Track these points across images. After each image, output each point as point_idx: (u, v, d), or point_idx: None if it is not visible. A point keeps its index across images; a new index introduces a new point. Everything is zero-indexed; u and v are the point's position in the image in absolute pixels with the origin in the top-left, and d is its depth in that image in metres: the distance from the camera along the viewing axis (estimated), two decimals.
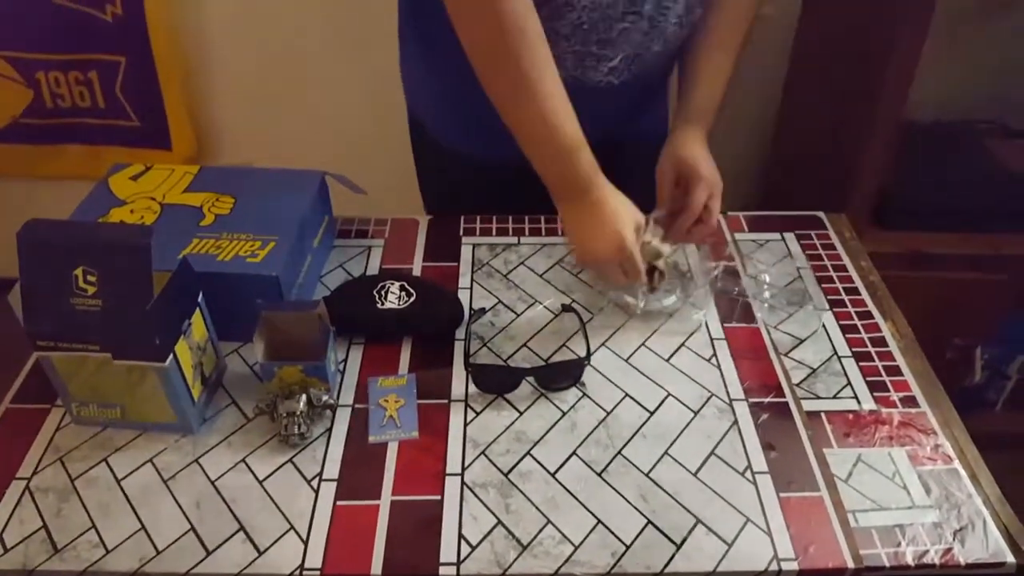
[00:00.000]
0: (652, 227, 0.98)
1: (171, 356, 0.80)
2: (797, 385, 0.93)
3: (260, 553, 0.76)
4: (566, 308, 1.03)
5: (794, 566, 0.74)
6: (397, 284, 0.99)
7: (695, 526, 0.78)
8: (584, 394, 0.92)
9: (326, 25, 1.88)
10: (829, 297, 1.06)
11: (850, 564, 0.75)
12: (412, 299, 0.97)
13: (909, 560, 0.75)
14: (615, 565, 0.75)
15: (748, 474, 0.83)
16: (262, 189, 1.04)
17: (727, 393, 0.92)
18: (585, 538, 0.77)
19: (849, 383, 0.94)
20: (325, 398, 0.87)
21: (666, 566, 0.74)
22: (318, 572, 0.74)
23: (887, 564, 0.75)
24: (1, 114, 2.08)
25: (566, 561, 0.75)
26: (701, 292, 1.04)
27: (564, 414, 0.89)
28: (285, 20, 1.87)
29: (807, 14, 1.83)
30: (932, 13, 1.45)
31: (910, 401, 0.92)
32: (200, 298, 0.86)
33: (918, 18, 1.44)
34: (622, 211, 0.93)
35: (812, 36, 1.83)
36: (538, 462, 0.84)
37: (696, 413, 0.90)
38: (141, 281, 0.75)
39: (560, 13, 0.95)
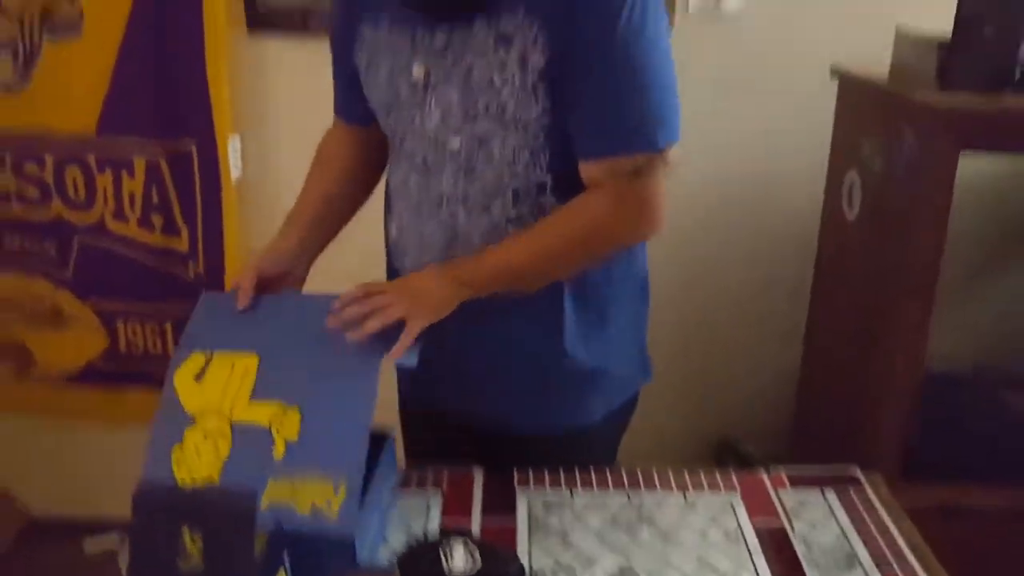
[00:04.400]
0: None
1: None
2: None
3: None
4: (624, 572, 1.06)
5: None
6: (461, 546, 1.03)
7: None
8: None
9: None
10: (875, 559, 1.10)
11: None
12: (477, 565, 1.01)
13: None
14: None
15: None
16: (327, 393, 1.06)
17: None
18: None
19: None
20: None
21: None
22: None
23: None
24: (77, 358, 2.23)
25: None
26: None
27: None
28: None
29: (817, 290, 2.00)
30: (936, 281, 1.60)
31: None
32: (285, 558, 0.92)
33: (922, 288, 1.60)
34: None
35: (825, 310, 1.99)
36: None
37: None
38: (244, 547, 0.82)
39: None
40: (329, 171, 1.28)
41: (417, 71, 1.08)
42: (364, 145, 1.26)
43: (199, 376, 1.11)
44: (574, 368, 1.19)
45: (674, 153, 1.07)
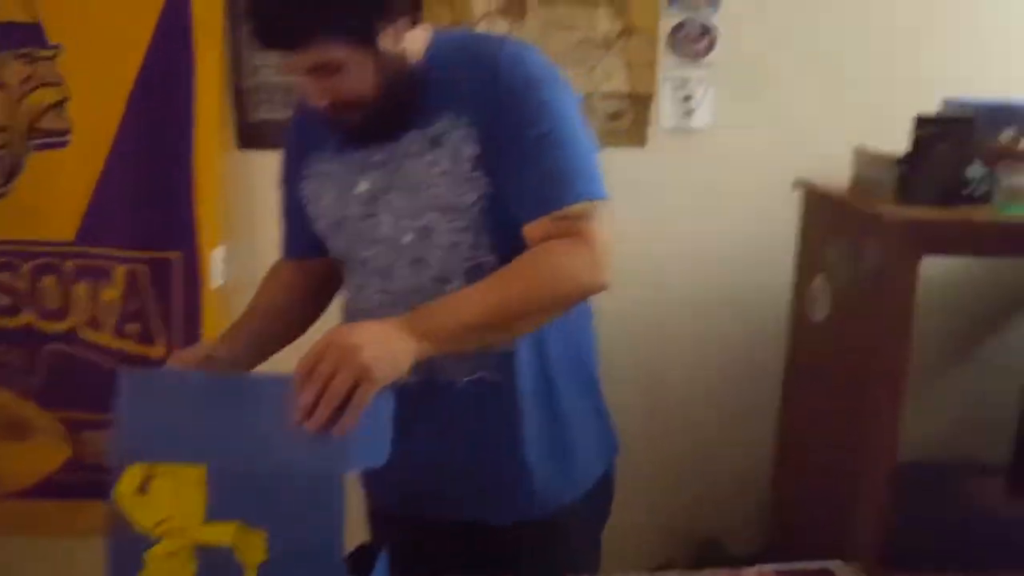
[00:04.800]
0: None
1: None
2: None
3: None
4: None
5: None
6: None
7: None
8: None
9: None
10: None
11: None
12: None
13: None
14: None
15: None
16: (290, 505, 0.96)
17: None
18: None
19: None
20: None
21: None
22: None
23: None
24: (37, 471, 2.14)
25: None
26: None
27: None
28: None
29: (788, 387, 2.08)
30: (904, 381, 1.69)
31: None
32: None
33: (891, 387, 1.68)
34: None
35: (796, 407, 2.07)
36: None
37: None
38: None
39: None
40: (276, 288, 1.33)
41: (363, 187, 1.18)
42: (312, 275, 1.33)
43: (143, 488, 1.01)
44: (537, 464, 1.22)
45: (608, 207, 1.12)
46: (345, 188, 1.20)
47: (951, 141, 1.73)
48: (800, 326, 2.06)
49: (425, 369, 1.11)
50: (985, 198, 1.74)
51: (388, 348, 0.96)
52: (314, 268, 1.33)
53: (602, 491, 1.33)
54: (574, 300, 1.12)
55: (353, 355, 0.93)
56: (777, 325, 2.10)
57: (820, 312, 1.95)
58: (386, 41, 1.09)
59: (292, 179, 1.29)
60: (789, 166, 2.00)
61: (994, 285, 2.07)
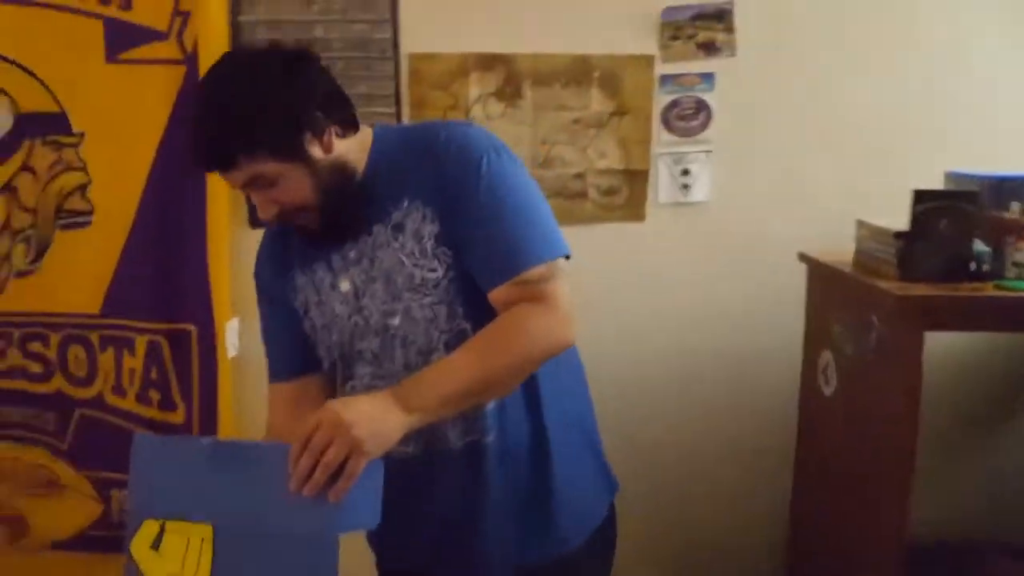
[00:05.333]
0: None
1: None
2: None
3: None
4: None
5: None
6: None
7: None
8: None
9: None
10: None
11: None
12: None
13: None
14: None
15: None
16: (288, 566, 1.04)
17: None
18: None
19: None
20: None
21: None
22: None
23: None
24: (70, 525, 2.26)
25: None
26: None
27: None
28: None
29: (800, 461, 2.04)
30: (912, 459, 1.65)
31: None
32: None
33: (900, 465, 1.65)
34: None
35: (809, 480, 2.03)
36: None
37: None
38: None
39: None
40: (287, 412, 1.31)
41: (345, 286, 1.23)
42: (308, 390, 1.32)
43: (155, 545, 1.10)
44: (536, 514, 1.27)
45: (564, 264, 1.19)
46: (328, 291, 1.25)
47: (953, 216, 1.69)
48: (811, 399, 2.03)
49: (423, 440, 1.20)
50: (992, 274, 1.69)
51: (379, 424, 1.04)
52: (309, 384, 1.32)
53: (605, 532, 1.36)
54: (546, 358, 1.18)
55: (346, 430, 1.01)
56: (785, 398, 2.07)
57: (829, 386, 1.92)
58: (315, 150, 1.15)
59: (278, 296, 1.31)
60: (793, 237, 1.98)
61: (1008, 359, 2.01)
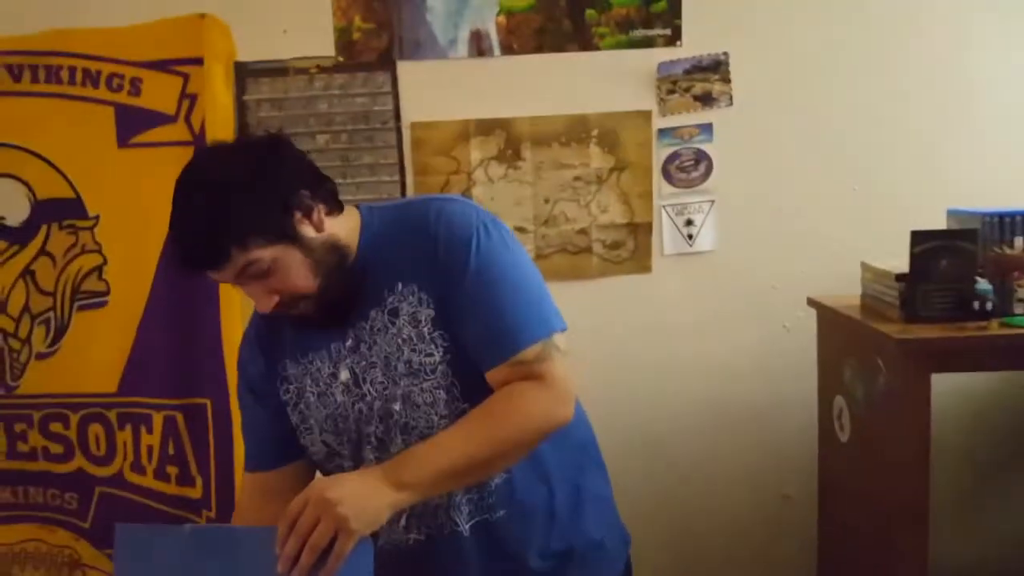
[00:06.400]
0: None
1: None
2: None
3: None
4: None
5: None
6: None
7: None
8: None
9: None
10: None
11: None
12: None
13: None
14: None
15: None
16: None
17: None
18: None
19: None
20: None
21: None
22: None
23: None
24: None
25: None
26: None
27: None
28: None
29: (824, 507, 2.00)
30: (926, 503, 1.61)
31: None
32: None
33: (914, 509, 1.61)
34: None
35: (832, 526, 1.99)
36: None
37: None
38: None
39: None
40: (261, 502, 1.28)
41: (344, 375, 1.21)
42: (285, 482, 1.29)
43: None
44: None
45: (562, 339, 1.17)
46: (329, 381, 1.23)
47: (952, 255, 1.68)
48: (828, 446, 2.00)
49: (425, 525, 1.19)
50: (997, 311, 1.67)
51: (365, 501, 1.03)
52: (285, 474, 1.30)
53: None
54: (541, 437, 1.16)
55: (332, 508, 1.00)
56: (806, 446, 2.04)
57: (844, 432, 1.89)
58: (306, 230, 1.14)
59: (262, 388, 1.29)
60: (803, 281, 1.98)
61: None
